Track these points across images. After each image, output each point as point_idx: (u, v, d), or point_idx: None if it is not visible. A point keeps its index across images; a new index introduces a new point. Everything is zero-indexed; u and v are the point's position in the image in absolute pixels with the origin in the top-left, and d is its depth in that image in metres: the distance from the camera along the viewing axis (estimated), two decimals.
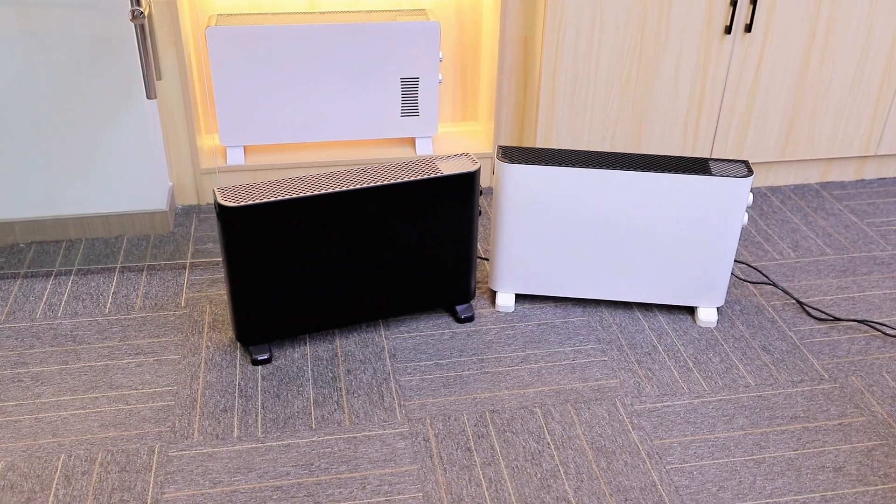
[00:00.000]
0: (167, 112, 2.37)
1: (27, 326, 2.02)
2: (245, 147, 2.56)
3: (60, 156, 2.24)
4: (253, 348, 1.93)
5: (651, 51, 2.41)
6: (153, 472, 1.64)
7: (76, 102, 2.19)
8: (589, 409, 1.81)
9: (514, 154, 1.98)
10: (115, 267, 2.24)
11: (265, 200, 1.77)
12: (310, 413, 1.79)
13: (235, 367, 1.91)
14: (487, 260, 2.11)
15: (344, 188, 1.82)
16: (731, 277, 2.24)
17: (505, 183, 1.97)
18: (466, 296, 2.07)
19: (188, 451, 1.69)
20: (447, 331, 2.04)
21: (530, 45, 2.46)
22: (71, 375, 1.87)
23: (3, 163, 2.22)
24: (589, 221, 1.98)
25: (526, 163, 1.94)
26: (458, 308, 2.08)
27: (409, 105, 2.52)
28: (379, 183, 1.84)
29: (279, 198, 1.78)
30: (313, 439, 1.72)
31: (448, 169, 1.91)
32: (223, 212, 1.76)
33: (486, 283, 2.21)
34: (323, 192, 1.80)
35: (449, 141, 2.67)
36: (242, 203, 1.76)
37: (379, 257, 1.92)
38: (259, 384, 1.86)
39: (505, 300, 2.11)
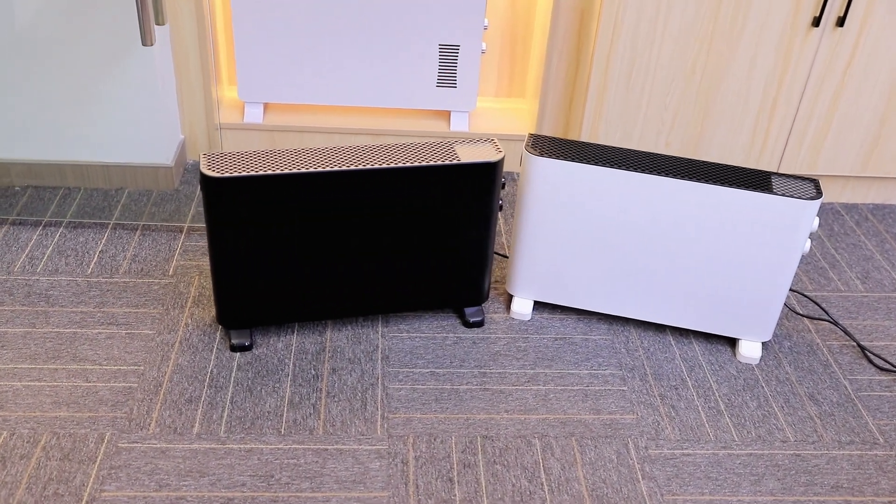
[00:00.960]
0: (182, 59, 2.18)
1: (1, 280, 1.87)
2: (265, 104, 2.36)
3: (62, 97, 2.08)
4: (233, 332, 1.75)
5: (723, 39, 2.11)
6: (97, 464, 1.48)
7: (82, 40, 2.01)
8: (596, 447, 1.58)
9: (546, 145, 1.73)
10: (109, 223, 2.08)
11: (256, 173, 1.57)
12: (281, 415, 1.60)
13: (212, 351, 1.73)
14: (507, 257, 1.88)
15: (347, 167, 1.61)
16: (782, 308, 1.97)
17: (532, 176, 1.73)
18: (477, 298, 1.84)
19: (140, 445, 1.52)
20: (451, 335, 1.83)
21: (586, 18, 2.18)
22: (35, 341, 1.72)
23: (2, 100, 2.06)
24: (625, 230, 1.73)
25: (557, 157, 1.70)
26: (467, 311, 1.86)
27: (447, 75, 2.28)
28: (386, 165, 1.62)
29: (272, 172, 1.58)
30: (279, 446, 1.54)
31: (468, 156, 1.68)
32: (207, 182, 1.57)
33: (504, 283, 1.98)
34: (323, 169, 1.59)
35: (488, 118, 2.42)
36: (228, 174, 1.56)
37: (382, 246, 1.71)
38: (233, 374, 1.68)
39: (521, 306, 1.88)
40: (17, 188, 2.18)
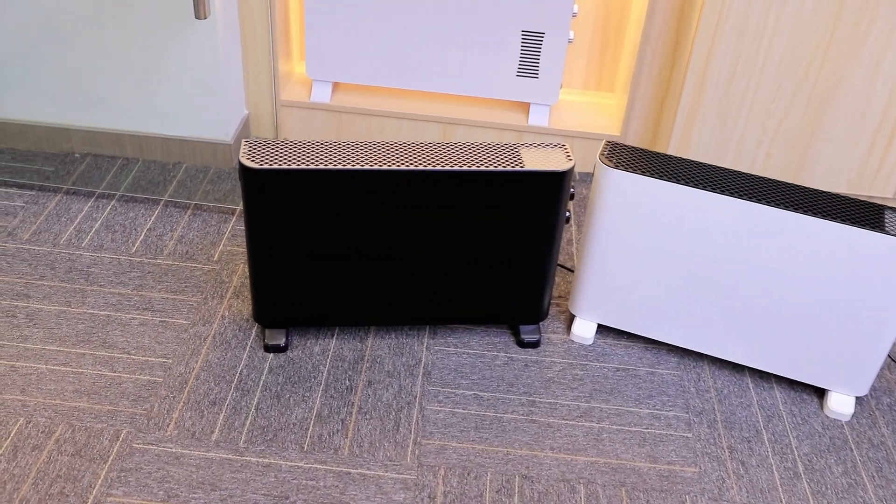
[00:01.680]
0: (250, 31, 2.07)
1: (46, 252, 1.82)
2: (334, 84, 2.23)
3: (125, 64, 2.00)
4: (269, 331, 1.64)
5: (843, 44, 1.86)
6: (108, 464, 1.40)
7: (147, 8, 1.92)
8: (648, 501, 1.41)
9: (624, 155, 1.54)
10: (161, 200, 2.00)
11: (299, 167, 1.44)
12: (307, 428, 1.48)
13: (244, 349, 1.63)
14: (573, 271, 1.69)
15: (398, 167, 1.46)
16: (885, 359, 1.72)
17: (605, 189, 1.54)
18: (535, 316, 1.68)
19: (155, 447, 1.43)
20: (502, 354, 1.67)
21: (687, 9, 1.96)
22: (67, 321, 1.66)
23: (66, 65, 2.00)
24: (706, 257, 1.53)
25: (635, 170, 1.50)
26: (523, 328, 1.70)
27: (529, 64, 2.09)
28: (441, 167, 1.47)
29: (317, 166, 1.45)
30: (299, 464, 1.42)
31: (533, 162, 1.50)
32: (246, 173, 1.45)
33: (567, 301, 1.81)
34: (372, 167, 1.45)
35: (571, 112, 2.23)
36: (268, 166, 1.44)
37: (433, 253, 1.56)
38: (263, 377, 1.58)
39: (583, 329, 1.71)
40: (76, 155, 2.12)
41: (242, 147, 1.48)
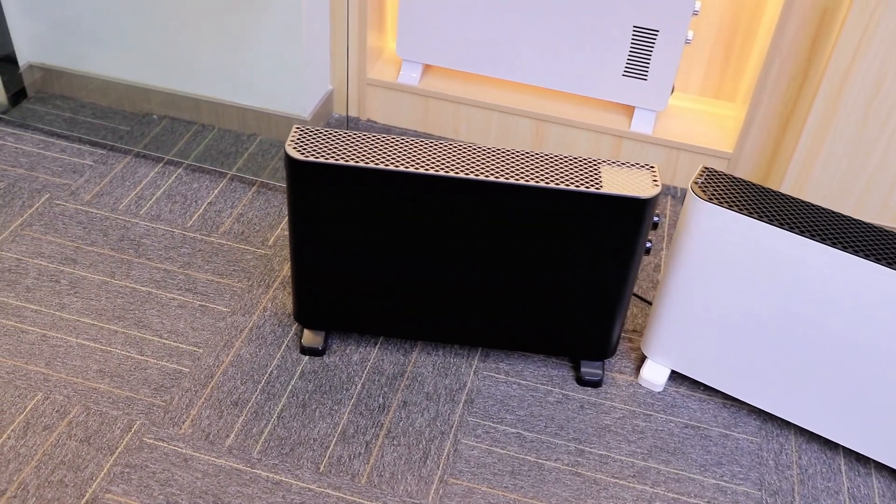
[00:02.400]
0: (339, 3, 1.94)
1: (103, 217, 1.76)
2: (424, 66, 2.08)
3: (209, 28, 1.91)
4: (308, 332, 1.52)
5: None
6: (115, 456, 1.32)
7: None
8: None
9: (721, 185, 1.33)
10: (228, 173, 1.91)
11: (347, 163, 1.31)
12: (328, 447, 1.36)
13: (280, 347, 1.52)
14: (651, 304, 1.48)
15: (457, 174, 1.30)
16: None
17: (692, 222, 1.33)
18: (599, 352, 1.49)
19: (165, 445, 1.34)
20: (557, 390, 1.49)
21: (828, 20, 1.69)
22: (107, 294, 1.59)
23: (153, 25, 1.93)
24: (804, 313, 1.30)
25: (730, 205, 1.29)
26: (584, 364, 1.51)
27: (638, 64, 1.87)
28: (505, 180, 1.30)
29: (367, 164, 1.31)
30: (311, 487, 1.30)
31: (613, 184, 1.31)
32: (290, 163, 1.32)
33: (640, 338, 1.60)
34: (427, 172, 1.30)
35: (681, 120, 2.00)
36: (314, 158, 1.31)
37: (490, 270, 1.40)
38: (293, 381, 1.46)
39: (654, 374, 1.51)
40: (154, 116, 2.07)
41: (292, 133, 1.36)
